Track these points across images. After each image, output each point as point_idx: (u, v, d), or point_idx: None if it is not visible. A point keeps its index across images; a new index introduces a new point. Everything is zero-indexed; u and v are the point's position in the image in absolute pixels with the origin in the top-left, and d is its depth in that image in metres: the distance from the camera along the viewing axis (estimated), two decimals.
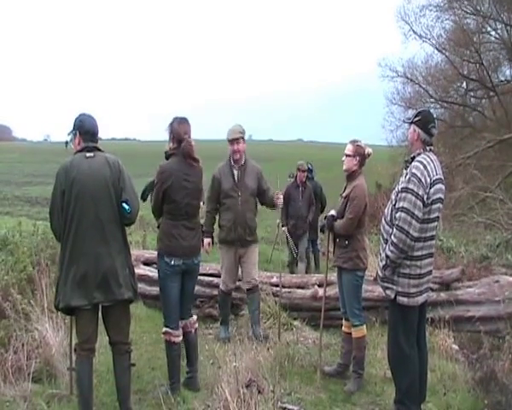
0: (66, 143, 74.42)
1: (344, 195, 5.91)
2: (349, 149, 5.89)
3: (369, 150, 5.91)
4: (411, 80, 31.89)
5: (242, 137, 7.06)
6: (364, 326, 5.95)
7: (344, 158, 5.91)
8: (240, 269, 7.33)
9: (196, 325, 5.75)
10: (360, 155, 5.87)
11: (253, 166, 7.24)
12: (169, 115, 5.74)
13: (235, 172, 7.08)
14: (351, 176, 5.93)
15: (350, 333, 6.02)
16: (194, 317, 5.76)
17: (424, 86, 31.24)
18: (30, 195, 31.27)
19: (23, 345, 5.61)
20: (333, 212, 6.01)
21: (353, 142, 5.91)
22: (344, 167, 5.92)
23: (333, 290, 6.73)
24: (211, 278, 8.12)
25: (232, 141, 7.01)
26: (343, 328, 6.12)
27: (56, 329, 5.83)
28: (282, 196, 7.19)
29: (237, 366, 4.88)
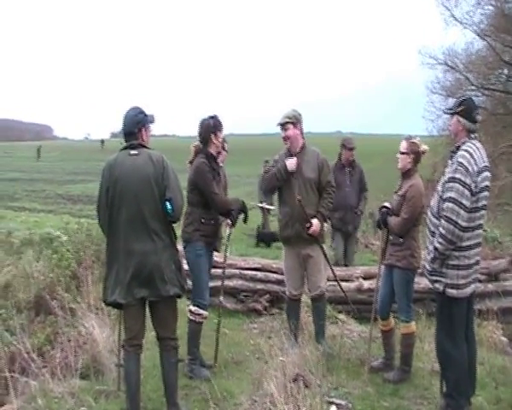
0: (102, 141, 75.61)
1: (400, 193, 5.75)
2: (403, 147, 5.73)
3: (424, 147, 5.73)
4: (452, 68, 31.43)
5: (292, 123, 6.35)
6: (413, 323, 5.87)
7: (398, 156, 5.78)
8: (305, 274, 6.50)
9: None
10: (415, 152, 5.70)
11: (313, 153, 6.46)
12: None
13: None
14: (406, 174, 5.78)
15: (388, 330, 6.00)
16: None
17: (465, 74, 30.76)
18: (72, 193, 31.68)
19: (70, 341, 5.67)
20: (387, 204, 5.88)
21: (408, 139, 5.76)
22: (399, 166, 5.78)
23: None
24: (254, 272, 8.12)
25: (280, 126, 6.43)
26: (379, 326, 6.05)
27: (102, 325, 5.88)
28: (316, 227, 6.23)
29: (284, 360, 4.84)
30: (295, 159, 6.26)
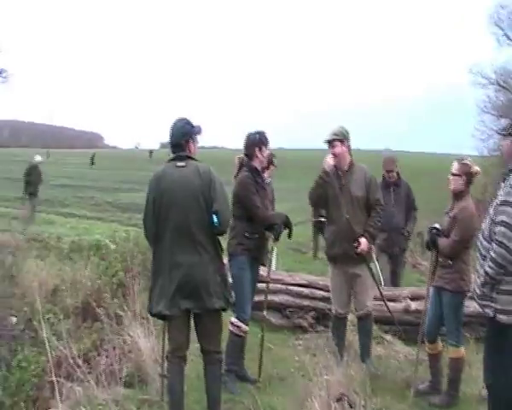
0: (151, 151, 76.94)
1: (451, 214, 5.65)
2: (455, 168, 5.63)
3: (476, 168, 5.62)
4: (504, 88, 30.94)
5: (340, 140, 6.26)
6: (463, 347, 5.75)
7: (450, 177, 5.69)
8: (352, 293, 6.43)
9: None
10: (467, 173, 5.60)
11: (361, 170, 6.39)
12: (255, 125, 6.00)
13: (340, 179, 6.31)
14: (458, 195, 5.68)
15: (435, 354, 5.89)
16: None
17: None
18: (121, 201, 32.02)
19: (115, 349, 5.70)
20: (437, 225, 5.75)
21: (459, 160, 5.66)
22: (450, 187, 5.68)
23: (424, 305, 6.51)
24: (300, 289, 8.07)
25: (328, 143, 6.35)
26: (426, 349, 5.94)
27: (147, 334, 5.88)
28: (364, 246, 6.16)
29: (328, 379, 4.77)
30: (331, 157, 6.24)
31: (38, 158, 20.64)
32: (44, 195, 24.12)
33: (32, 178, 19.49)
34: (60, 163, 67.90)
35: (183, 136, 4.82)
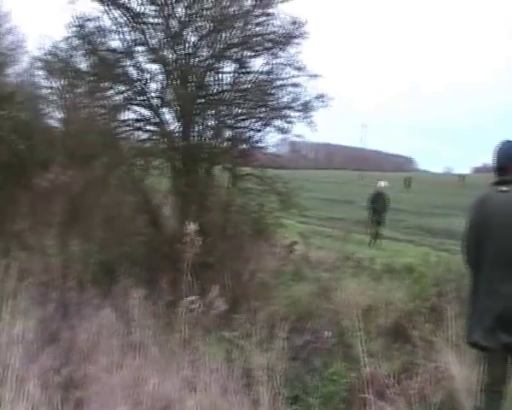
0: (462, 176, 73.81)
1: None
2: None
3: None
4: None
5: None
6: None
7: None
8: None
9: None
10: None
11: None
12: None
13: None
14: None
15: None
16: None
17: None
18: (432, 225, 31.68)
19: (426, 374, 5.63)
20: None
21: None
22: None
23: None
24: None
25: None
26: None
27: (461, 362, 5.71)
28: None
29: None
30: None
31: (382, 184, 20.86)
32: (355, 216, 24.86)
33: (378, 206, 19.77)
34: (372, 185, 69.51)
35: (506, 159, 4.62)
